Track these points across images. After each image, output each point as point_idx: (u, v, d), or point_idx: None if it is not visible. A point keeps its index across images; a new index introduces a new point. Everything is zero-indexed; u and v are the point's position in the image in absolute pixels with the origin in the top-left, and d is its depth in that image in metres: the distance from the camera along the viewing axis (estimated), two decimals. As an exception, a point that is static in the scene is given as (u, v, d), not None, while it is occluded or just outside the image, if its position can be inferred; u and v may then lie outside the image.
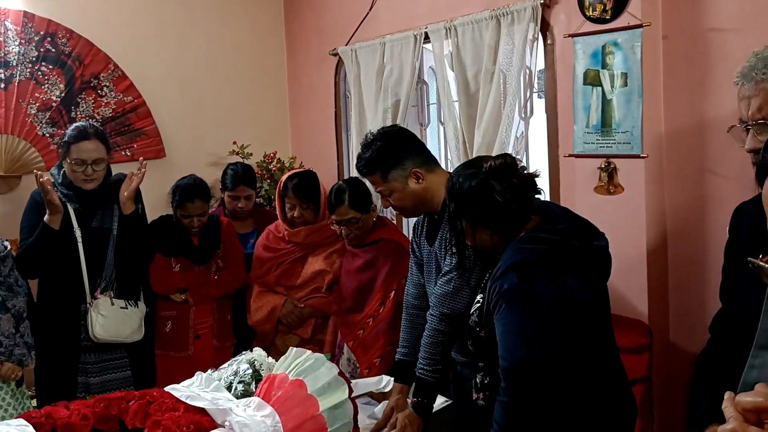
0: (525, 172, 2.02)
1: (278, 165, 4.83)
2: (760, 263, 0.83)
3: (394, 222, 4.40)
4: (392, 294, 3.05)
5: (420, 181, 2.42)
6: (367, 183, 2.66)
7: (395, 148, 2.44)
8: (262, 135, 5.06)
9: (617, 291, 2.67)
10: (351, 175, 4.49)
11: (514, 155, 2.10)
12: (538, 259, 1.92)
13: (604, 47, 2.93)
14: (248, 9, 5.15)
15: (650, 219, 2.89)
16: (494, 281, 1.96)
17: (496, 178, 1.98)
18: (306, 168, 4.27)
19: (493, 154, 3.44)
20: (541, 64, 3.48)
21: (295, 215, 3.33)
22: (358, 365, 3.11)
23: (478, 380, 2.13)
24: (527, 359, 1.86)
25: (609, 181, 2.96)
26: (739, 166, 2.63)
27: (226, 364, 2.29)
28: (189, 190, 3.52)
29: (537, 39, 3.36)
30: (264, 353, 2.30)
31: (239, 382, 2.16)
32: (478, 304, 2.12)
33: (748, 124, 1.54)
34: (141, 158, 3.38)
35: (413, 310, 2.63)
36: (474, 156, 3.61)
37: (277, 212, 3.44)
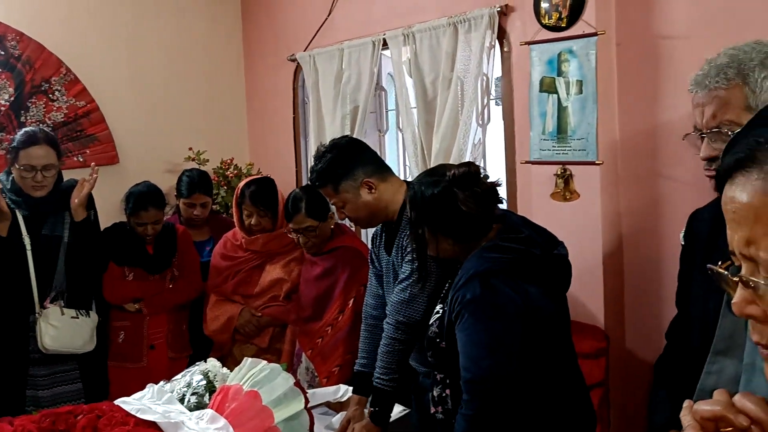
0: (487, 180, 2.03)
1: (235, 171, 4.78)
2: (719, 270, 0.83)
3: (353, 229, 4.39)
4: (351, 302, 3.03)
5: (372, 191, 2.41)
6: None
7: (345, 159, 2.42)
8: (218, 141, 5.00)
9: (574, 296, 2.68)
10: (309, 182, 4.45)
11: (477, 164, 2.09)
12: (501, 269, 1.91)
13: (559, 55, 2.96)
14: (205, 13, 5.09)
15: (606, 225, 2.92)
16: (456, 291, 1.95)
17: (460, 187, 1.97)
18: (264, 175, 4.23)
19: (451, 161, 3.49)
20: (498, 71, 3.50)
21: (252, 223, 3.30)
22: (316, 374, 3.08)
23: (435, 393, 2.11)
24: (491, 370, 1.85)
25: (565, 188, 2.99)
26: (691, 171, 2.67)
27: (179, 376, 2.24)
28: (143, 197, 3.46)
29: (494, 46, 3.38)
30: (218, 364, 2.26)
31: (192, 394, 2.11)
32: (438, 315, 2.11)
33: (703, 132, 1.56)
34: (93, 164, 3.31)
35: (372, 320, 2.62)
36: (432, 162, 3.62)
37: (234, 220, 3.40)
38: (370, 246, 2.68)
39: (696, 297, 1.69)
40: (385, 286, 2.53)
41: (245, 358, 2.13)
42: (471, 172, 1.98)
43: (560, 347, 2.03)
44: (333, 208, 3.00)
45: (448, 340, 1.99)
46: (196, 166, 4.41)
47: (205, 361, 2.28)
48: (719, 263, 0.85)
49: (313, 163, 2.50)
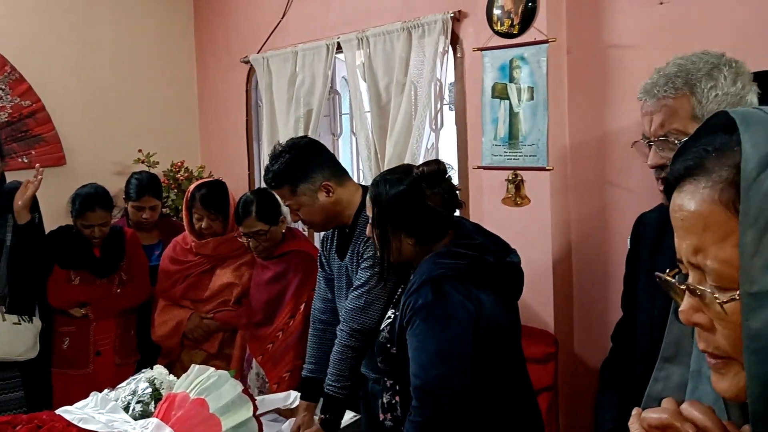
0: (452, 181, 2.03)
1: (186, 174, 4.70)
2: (667, 278, 0.83)
3: (305, 233, 4.36)
4: (302, 306, 3.00)
5: (330, 194, 2.37)
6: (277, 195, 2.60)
7: (304, 161, 2.37)
8: (169, 143, 4.91)
9: (524, 302, 2.69)
10: (263, 185, 4.41)
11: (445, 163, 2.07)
12: (453, 275, 1.90)
13: (511, 61, 2.98)
14: (156, 13, 5.00)
15: (555, 230, 2.95)
16: (408, 296, 1.93)
17: (428, 184, 1.96)
18: (215, 178, 4.18)
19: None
20: (451, 76, 3.51)
21: (202, 226, 3.24)
22: (267, 380, 3.04)
23: (385, 400, 2.09)
24: (441, 378, 1.84)
25: (516, 193, 3.01)
26: (638, 178, 2.71)
27: (124, 383, 2.19)
28: (90, 198, 3.37)
29: (447, 52, 3.40)
30: (165, 371, 2.22)
31: (137, 402, 2.06)
32: (390, 320, 2.09)
33: (651, 140, 1.57)
34: (37, 165, 3.21)
35: (320, 325, 2.60)
36: (386, 167, 3.61)
37: (184, 223, 3.34)
38: (319, 249, 2.65)
39: (641, 300, 1.72)
40: (336, 291, 2.50)
41: (192, 365, 2.09)
42: (440, 170, 1.98)
43: (510, 355, 2.04)
44: (285, 210, 2.98)
45: (399, 345, 1.98)
46: (146, 169, 4.32)
47: (152, 368, 2.23)
48: (667, 271, 0.86)
49: (268, 163, 2.43)
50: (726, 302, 0.74)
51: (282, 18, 4.39)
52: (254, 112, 4.79)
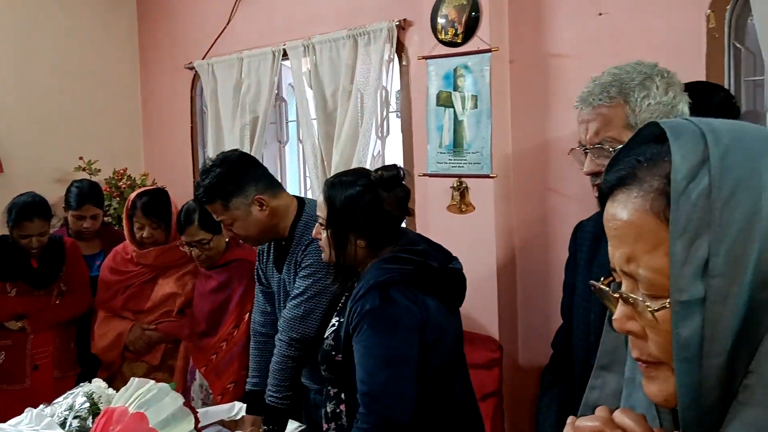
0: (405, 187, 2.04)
1: (129, 182, 4.61)
2: (601, 286, 0.84)
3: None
4: (247, 316, 2.96)
5: (263, 208, 2.34)
6: None
7: (236, 175, 2.33)
8: (111, 150, 4.81)
9: (469, 308, 2.71)
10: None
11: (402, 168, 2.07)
12: (400, 280, 1.90)
13: (455, 70, 3.01)
14: (98, 17, 4.90)
15: (499, 237, 2.98)
16: (355, 302, 1.92)
17: (384, 188, 1.97)
18: (159, 185, 4.10)
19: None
20: (397, 84, 3.53)
21: (144, 235, 3.18)
22: (211, 391, 2.99)
23: (328, 410, 2.07)
24: (389, 383, 1.83)
25: (461, 200, 3.03)
26: (579, 185, 2.76)
27: (61, 398, 2.12)
28: (27, 207, 3.28)
29: (393, 60, 3.41)
30: (103, 384, 2.16)
31: (74, 418, 2.00)
32: (334, 327, 2.08)
33: (587, 148, 1.60)
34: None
35: (261, 337, 2.57)
36: (331, 174, 3.60)
37: (125, 232, 3.27)
38: (256, 263, 2.62)
39: (578, 307, 1.75)
40: (277, 304, 2.48)
41: (132, 378, 2.04)
42: (398, 176, 1.99)
43: (454, 360, 2.05)
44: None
45: (345, 352, 1.97)
46: (87, 177, 4.22)
47: (90, 382, 2.17)
48: (602, 279, 0.87)
49: (199, 179, 2.38)
50: (657, 310, 0.76)
51: (227, 24, 4.34)
52: (199, 118, 4.73)
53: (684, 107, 1.57)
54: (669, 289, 0.74)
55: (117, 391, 2.07)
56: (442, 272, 1.99)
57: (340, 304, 2.15)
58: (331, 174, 3.58)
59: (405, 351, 1.86)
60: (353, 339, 1.91)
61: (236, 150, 2.55)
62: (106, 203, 4.07)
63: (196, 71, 4.55)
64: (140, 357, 3.23)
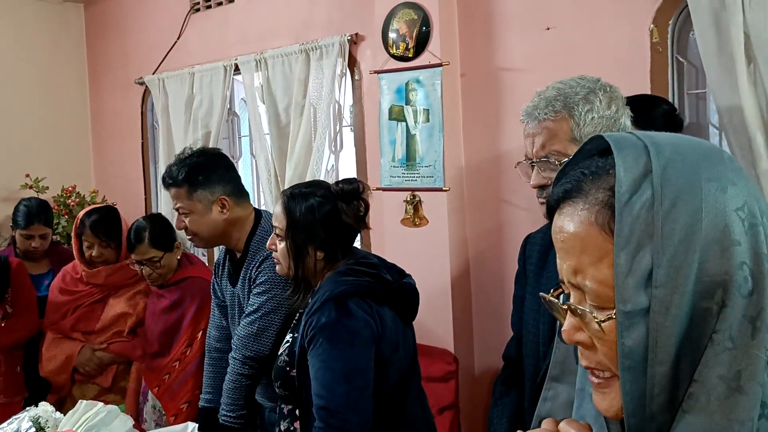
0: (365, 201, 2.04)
1: (78, 200, 4.51)
2: (550, 298, 0.85)
3: (204, 259, 4.27)
4: (200, 335, 2.91)
5: (224, 210, 2.33)
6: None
7: (209, 168, 2.34)
8: (60, 167, 4.71)
9: (424, 321, 2.73)
10: (160, 211, 4.29)
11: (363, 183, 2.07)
12: (356, 291, 1.90)
13: (407, 84, 3.02)
14: (46, 30, 4.81)
15: (453, 249, 3.00)
16: (310, 315, 1.90)
17: (344, 200, 1.97)
18: (110, 203, 4.04)
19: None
20: (350, 98, 3.53)
21: (93, 254, 3.11)
22: (164, 413, 2.93)
23: (282, 428, 2.05)
24: (347, 396, 1.82)
25: (414, 214, 3.04)
26: (531, 197, 2.77)
27: (5, 424, 2.06)
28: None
29: (345, 74, 3.42)
30: (50, 408, 2.10)
31: (20, 443, 1.94)
32: (288, 343, 2.06)
33: (533, 161, 1.63)
34: None
35: (216, 353, 2.53)
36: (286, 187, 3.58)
37: (74, 251, 3.19)
38: (212, 276, 2.59)
39: (528, 318, 1.77)
40: (230, 319, 2.45)
41: (80, 401, 1.99)
42: (358, 189, 1.99)
43: (409, 374, 2.05)
44: (181, 236, 2.89)
45: (300, 368, 1.95)
46: (35, 195, 4.12)
47: (36, 406, 2.11)
48: (551, 291, 0.88)
49: (172, 162, 2.37)
50: (603, 321, 0.77)
51: (178, 38, 4.30)
52: (150, 134, 4.67)
53: (626, 121, 1.61)
54: (614, 300, 0.75)
55: (65, 415, 2.02)
56: (397, 287, 1.99)
57: (294, 320, 2.13)
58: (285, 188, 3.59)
59: (362, 364, 1.85)
60: (308, 353, 1.89)
61: (218, 149, 2.56)
62: (54, 221, 3.97)
63: (146, 86, 4.49)
64: (91, 379, 3.15)
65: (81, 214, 3.18)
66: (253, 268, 2.30)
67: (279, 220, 2.01)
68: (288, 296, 2.13)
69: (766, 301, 0.72)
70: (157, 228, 2.91)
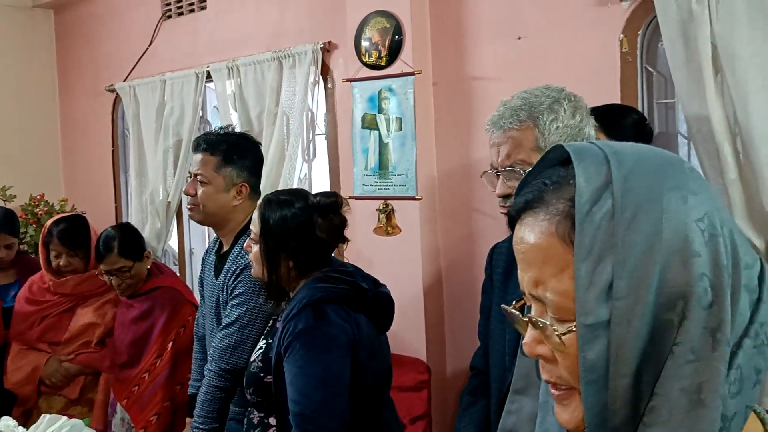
0: (342, 215, 2.03)
1: (46, 208, 4.44)
2: (511, 310, 0.83)
3: (175, 268, 4.22)
4: (170, 345, 2.88)
5: (239, 197, 2.36)
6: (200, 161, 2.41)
7: (246, 152, 2.38)
8: (28, 175, 4.63)
9: (397, 330, 2.71)
10: (130, 220, 4.24)
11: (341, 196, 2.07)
12: (333, 298, 1.90)
13: (379, 92, 3.02)
14: (15, 36, 4.74)
15: (426, 258, 2.99)
16: (287, 321, 1.90)
17: (320, 213, 1.96)
18: (79, 211, 3.98)
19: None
20: (323, 106, 3.52)
21: (61, 264, 3.06)
22: (132, 425, 2.88)
23: None
24: (323, 402, 1.81)
25: (387, 223, 3.03)
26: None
27: (-34, 439, 2.01)
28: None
29: (318, 82, 3.41)
30: (12, 422, 2.05)
31: (-20, 459, 1.89)
32: (261, 350, 2.06)
33: (498, 170, 1.63)
34: None
35: (205, 341, 2.51)
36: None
37: (41, 261, 3.14)
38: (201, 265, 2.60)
39: (494, 328, 1.76)
40: (207, 309, 2.43)
41: (43, 414, 1.95)
42: (335, 203, 1.99)
43: (383, 382, 2.04)
44: (150, 245, 2.86)
45: (276, 374, 1.93)
46: (1, 203, 4.05)
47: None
48: (513, 303, 0.87)
49: (215, 129, 2.45)
50: (564, 334, 0.76)
51: (149, 45, 4.26)
52: (121, 142, 4.62)
53: (590, 130, 1.62)
54: (575, 312, 0.74)
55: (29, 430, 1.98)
56: (373, 296, 2.00)
57: (268, 327, 2.12)
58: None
59: (339, 369, 1.85)
60: (285, 359, 1.88)
61: (257, 140, 2.59)
62: (22, 230, 3.90)
63: (117, 94, 4.45)
64: (57, 391, 3.09)
65: (48, 222, 3.13)
66: (231, 276, 2.28)
67: (255, 225, 2.01)
68: (263, 302, 2.12)
69: (725, 312, 0.71)
70: (127, 237, 2.88)
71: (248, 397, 2.06)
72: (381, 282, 2.09)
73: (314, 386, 1.81)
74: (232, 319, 2.24)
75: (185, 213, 4.29)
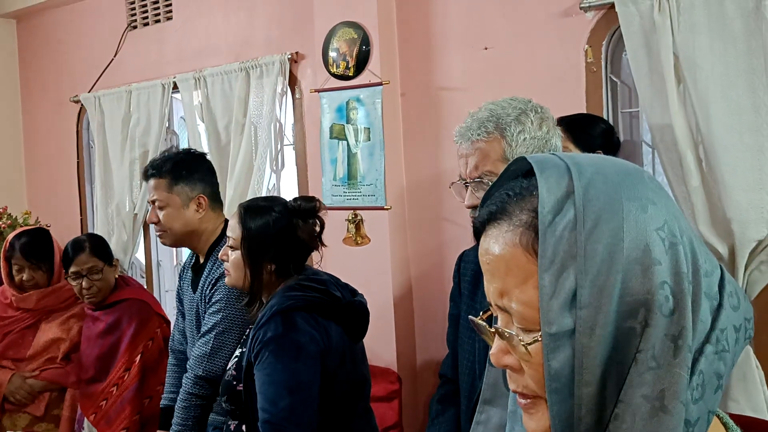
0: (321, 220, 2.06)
1: (9, 221, 4.35)
2: (478, 321, 0.84)
3: (142, 281, 4.17)
4: (138, 358, 2.85)
5: (200, 210, 2.37)
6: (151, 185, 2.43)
7: (194, 166, 2.40)
8: (-10, 187, 4.55)
9: (367, 341, 2.70)
10: (96, 232, 4.18)
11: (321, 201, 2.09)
12: (303, 306, 1.91)
13: (348, 103, 3.02)
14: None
15: (395, 268, 2.99)
16: (258, 329, 1.90)
17: (301, 217, 1.99)
18: (43, 224, 3.92)
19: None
20: (291, 117, 3.51)
21: (24, 278, 3.00)
22: (100, 440, 2.84)
23: None
24: (290, 410, 1.81)
25: (356, 233, 3.03)
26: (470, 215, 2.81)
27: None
28: None
29: (286, 93, 3.40)
30: (-25, 442, 2.01)
31: (-60, 480, 1.85)
32: (236, 358, 2.06)
33: (467, 182, 1.64)
34: None
35: (180, 354, 2.53)
36: (227, 208, 3.53)
37: (2, 275, 3.07)
38: (177, 281, 2.61)
39: (463, 336, 1.77)
40: (187, 324, 2.44)
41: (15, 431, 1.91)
42: (315, 207, 2.02)
43: (355, 391, 2.04)
44: (118, 254, 2.82)
45: (246, 382, 1.93)
46: (-38, 216, 3.97)
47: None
48: (480, 313, 0.87)
49: (156, 156, 2.49)
50: (530, 343, 0.76)
51: (115, 56, 4.22)
52: (86, 153, 4.56)
53: (557, 141, 1.64)
54: (540, 322, 0.74)
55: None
56: (347, 304, 2.01)
57: (244, 336, 2.12)
58: (226, 207, 3.53)
59: (307, 377, 1.85)
60: (255, 367, 1.89)
61: (204, 152, 2.62)
62: (-17, 244, 3.82)
63: (82, 104, 4.39)
64: (22, 408, 3.02)
65: (10, 236, 3.07)
66: (208, 286, 2.30)
67: (234, 231, 2.02)
68: (243, 307, 2.13)
69: (686, 319, 0.72)
70: (97, 241, 2.93)
71: (223, 405, 2.07)
72: (358, 291, 2.10)
73: (282, 394, 1.82)
74: (209, 326, 2.25)
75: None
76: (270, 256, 1.97)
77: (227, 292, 2.22)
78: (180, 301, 2.54)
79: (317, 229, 2.03)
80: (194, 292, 2.39)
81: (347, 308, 2.00)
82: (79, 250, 2.84)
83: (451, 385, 1.85)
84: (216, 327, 2.23)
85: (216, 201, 2.46)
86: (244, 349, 2.03)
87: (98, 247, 2.89)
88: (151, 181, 2.39)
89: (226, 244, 2.06)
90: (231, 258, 2.02)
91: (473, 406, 1.60)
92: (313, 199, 2.05)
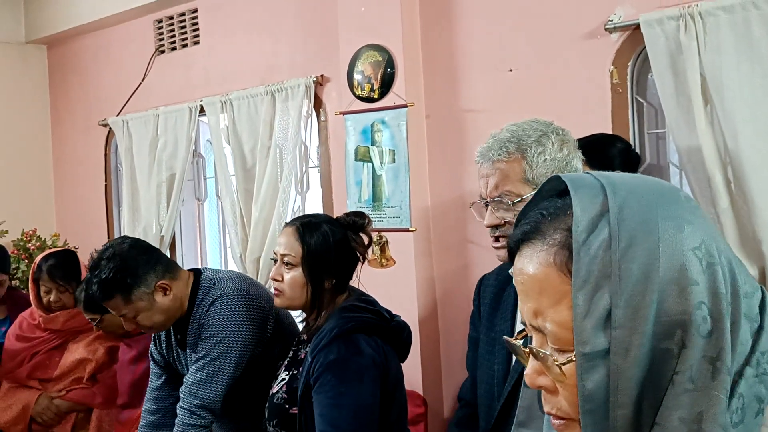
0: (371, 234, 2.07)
1: (38, 243, 4.42)
2: (513, 342, 0.83)
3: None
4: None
5: (168, 292, 2.20)
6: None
7: (132, 265, 2.16)
8: (20, 210, 4.61)
9: (392, 363, 2.72)
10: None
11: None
12: (363, 328, 1.90)
13: (372, 125, 3.03)
14: (7, 71, 4.76)
15: (420, 290, 2.98)
16: (317, 352, 1.88)
17: (353, 231, 2.00)
18: (71, 246, 3.96)
19: (271, 229, 3.46)
20: (316, 139, 3.53)
21: (51, 299, 3.03)
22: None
23: None
24: None
25: (381, 255, 3.03)
26: (496, 238, 2.80)
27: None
28: None
29: (311, 115, 3.42)
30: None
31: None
32: (285, 381, 2.03)
33: (487, 201, 1.65)
34: None
35: (152, 428, 2.42)
36: (252, 231, 3.56)
37: (31, 297, 3.11)
38: (151, 346, 2.46)
39: (482, 360, 1.77)
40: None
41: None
42: (364, 221, 2.03)
43: (404, 412, 2.05)
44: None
45: (302, 406, 1.91)
46: (-8, 239, 4.03)
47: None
48: (516, 333, 0.86)
49: (89, 275, 2.18)
50: (564, 364, 0.75)
51: (142, 80, 4.29)
52: (114, 176, 4.62)
53: (577, 163, 1.64)
54: (573, 342, 0.73)
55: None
56: (395, 325, 2.02)
57: (289, 357, 2.10)
58: (251, 230, 3.56)
59: (370, 400, 1.85)
60: (314, 390, 1.87)
61: (125, 237, 2.35)
62: (14, 266, 3.88)
63: (110, 128, 4.45)
64: (49, 428, 3.04)
65: (38, 258, 3.11)
66: (200, 314, 2.21)
67: (292, 249, 1.96)
68: (243, 328, 2.14)
69: (725, 341, 0.71)
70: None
71: (270, 429, 2.03)
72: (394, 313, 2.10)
73: (346, 418, 1.81)
74: (203, 353, 2.17)
75: (178, 246, 4.29)
76: (331, 270, 1.96)
77: (222, 315, 2.15)
78: (155, 361, 2.43)
79: (369, 241, 2.05)
80: (183, 350, 2.30)
81: (395, 329, 2.00)
82: (76, 303, 2.80)
83: (470, 408, 1.84)
84: (210, 352, 2.15)
85: (173, 270, 2.26)
86: (293, 371, 2.01)
87: (91, 301, 2.71)
88: (106, 304, 2.20)
89: (279, 263, 1.98)
90: (287, 277, 1.96)
91: (491, 429, 1.58)
92: (363, 215, 2.06)
